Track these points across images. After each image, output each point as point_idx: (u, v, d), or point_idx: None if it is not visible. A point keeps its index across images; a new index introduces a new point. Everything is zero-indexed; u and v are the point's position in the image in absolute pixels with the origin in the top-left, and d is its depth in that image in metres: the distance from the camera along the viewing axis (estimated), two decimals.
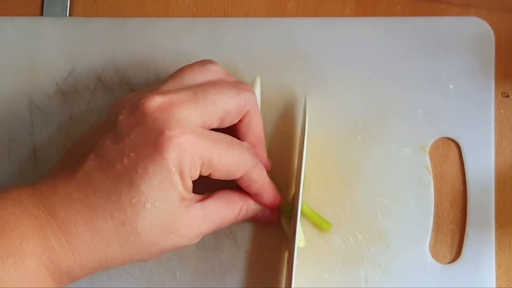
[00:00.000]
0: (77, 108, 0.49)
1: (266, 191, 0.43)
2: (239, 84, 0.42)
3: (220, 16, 0.50)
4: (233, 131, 0.42)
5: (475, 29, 0.47)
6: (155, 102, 0.38)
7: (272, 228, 0.46)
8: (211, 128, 0.40)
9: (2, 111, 0.50)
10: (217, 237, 0.47)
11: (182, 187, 0.38)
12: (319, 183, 0.47)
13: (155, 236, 0.38)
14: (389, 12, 0.49)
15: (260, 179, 0.42)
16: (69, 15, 0.51)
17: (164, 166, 0.36)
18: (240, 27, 0.49)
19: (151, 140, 0.37)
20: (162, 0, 0.50)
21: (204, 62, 0.42)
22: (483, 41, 0.47)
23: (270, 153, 0.46)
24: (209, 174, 0.39)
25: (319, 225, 0.46)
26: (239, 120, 0.42)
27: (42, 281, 0.37)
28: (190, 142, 0.37)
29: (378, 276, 0.45)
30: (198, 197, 0.40)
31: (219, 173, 0.39)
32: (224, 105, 0.40)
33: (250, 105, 0.41)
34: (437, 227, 0.46)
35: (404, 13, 0.49)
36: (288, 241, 0.46)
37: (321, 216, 0.46)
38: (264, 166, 0.43)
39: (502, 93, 0.47)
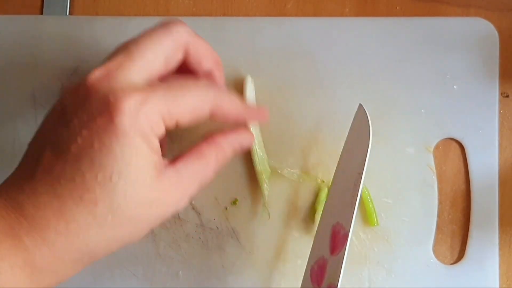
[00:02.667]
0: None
1: (248, 113, 0.39)
2: (165, 23, 0.37)
3: (220, 16, 0.47)
4: (186, 68, 0.38)
5: (479, 30, 0.44)
6: (94, 75, 0.34)
7: (275, 228, 0.44)
8: (158, 75, 0.36)
9: (7, 110, 0.47)
10: (220, 237, 0.44)
11: (147, 150, 0.33)
12: (322, 183, 0.44)
13: (134, 209, 0.33)
14: (389, 12, 0.46)
15: (233, 105, 0.37)
16: (68, 15, 0.49)
17: (120, 133, 0.32)
18: (243, 26, 0.46)
19: (99, 112, 0.32)
20: (162, 0, 0.47)
21: (165, 28, 0.37)
22: (487, 42, 0.44)
23: (271, 153, 0.44)
24: (176, 124, 0.34)
25: (368, 216, 0.43)
26: (186, 56, 0.37)
27: (18, 282, 0.32)
28: (138, 100, 0.32)
29: (381, 276, 0.43)
30: (167, 160, 0.35)
31: (185, 118, 0.34)
32: (159, 50, 0.35)
33: (186, 37, 0.37)
34: (441, 228, 0.43)
35: (404, 13, 0.46)
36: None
37: (375, 209, 0.43)
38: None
39: (502, 93, 0.44)
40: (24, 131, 0.46)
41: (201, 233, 0.44)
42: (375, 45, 0.44)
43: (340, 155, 0.41)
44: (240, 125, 0.41)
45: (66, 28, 0.47)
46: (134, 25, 0.46)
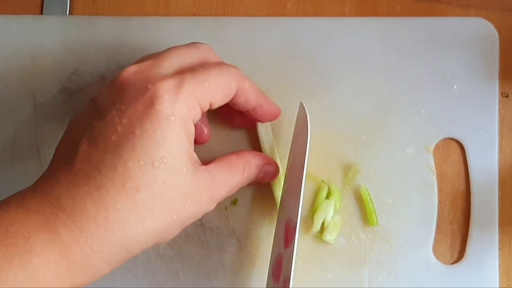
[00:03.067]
0: (81, 107, 0.46)
1: (264, 98, 0.40)
2: (193, 42, 0.39)
3: (220, 16, 0.47)
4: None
5: (479, 30, 0.44)
6: (127, 71, 0.35)
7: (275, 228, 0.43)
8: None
9: (6, 109, 0.47)
10: (220, 236, 0.44)
11: (185, 136, 0.34)
12: (322, 183, 0.44)
13: (172, 199, 0.34)
14: (389, 12, 0.46)
15: (253, 87, 0.39)
16: (68, 15, 0.48)
17: (162, 118, 0.33)
18: (243, 26, 0.46)
19: (138, 100, 0.34)
20: (162, 0, 0.47)
21: (192, 44, 0.39)
22: (487, 42, 0.44)
23: None
24: (210, 105, 0.36)
25: (368, 216, 0.42)
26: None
27: (54, 279, 0.31)
28: (175, 84, 0.34)
29: (382, 276, 0.42)
30: (201, 163, 0.37)
31: (217, 97, 0.36)
32: (187, 58, 0.37)
33: (210, 56, 0.39)
34: (441, 228, 0.43)
35: (404, 13, 0.45)
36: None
37: (375, 209, 0.42)
38: (276, 111, 0.42)
39: (502, 93, 0.44)
40: (24, 131, 0.46)
41: (201, 233, 0.44)
42: (375, 45, 0.44)
43: (289, 153, 0.42)
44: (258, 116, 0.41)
45: (66, 28, 0.47)
46: (134, 25, 0.46)
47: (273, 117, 0.42)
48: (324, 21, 0.45)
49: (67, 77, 0.46)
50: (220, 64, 0.38)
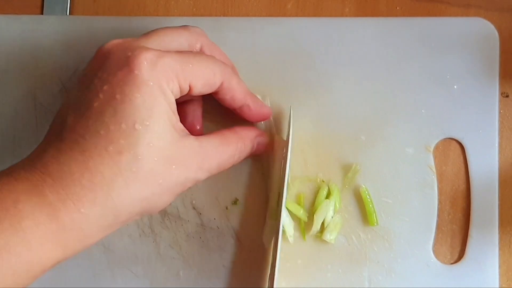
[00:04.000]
0: None
1: (252, 99, 0.40)
2: (184, 25, 0.40)
3: (220, 16, 0.47)
4: None
5: (479, 30, 0.43)
6: (111, 43, 0.36)
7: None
8: None
9: (7, 109, 0.46)
10: (221, 236, 0.44)
11: (164, 101, 0.35)
12: (322, 183, 0.43)
13: (155, 162, 0.34)
14: (389, 12, 0.45)
15: (241, 86, 0.39)
16: (69, 15, 0.48)
17: (140, 82, 0.34)
18: (244, 26, 0.46)
19: (119, 67, 0.34)
20: (162, 0, 0.47)
21: (183, 26, 0.40)
22: (488, 42, 0.43)
23: None
24: (190, 88, 0.36)
25: (368, 216, 0.42)
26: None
27: (44, 242, 0.32)
28: (156, 55, 0.35)
29: (382, 276, 0.42)
30: (188, 132, 0.37)
31: (198, 82, 0.36)
32: (176, 37, 0.38)
33: (201, 36, 0.39)
34: (441, 227, 0.43)
35: (404, 13, 0.45)
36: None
37: (374, 209, 0.42)
38: (265, 113, 0.42)
39: (502, 93, 0.43)
40: (24, 131, 0.46)
41: (201, 232, 0.44)
42: (375, 45, 0.44)
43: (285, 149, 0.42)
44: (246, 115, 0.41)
45: (66, 28, 0.47)
46: (134, 25, 0.46)
47: (261, 118, 0.42)
48: (324, 21, 0.45)
49: (68, 77, 0.46)
50: (211, 56, 0.38)
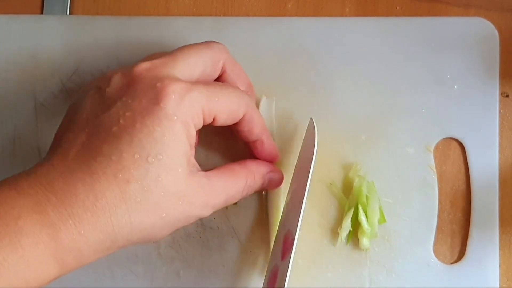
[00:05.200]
0: (81, 91, 0.44)
1: (267, 136, 0.40)
2: (207, 41, 0.39)
3: (220, 16, 0.47)
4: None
5: (479, 30, 0.43)
6: (140, 66, 0.35)
7: (275, 228, 0.42)
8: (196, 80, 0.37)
9: (7, 109, 0.46)
10: (221, 236, 0.44)
11: (185, 138, 0.34)
12: (322, 183, 0.43)
13: (162, 196, 0.33)
14: (389, 12, 0.45)
15: (261, 121, 0.39)
16: (69, 14, 0.48)
17: (164, 116, 0.33)
18: (244, 26, 0.46)
19: (145, 95, 0.34)
20: (162, 0, 0.47)
21: (206, 43, 0.39)
22: (487, 42, 0.43)
23: None
24: (213, 120, 0.36)
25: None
26: (222, 74, 0.39)
27: (42, 261, 0.31)
28: (184, 88, 0.34)
29: (382, 276, 0.42)
30: (200, 169, 0.36)
31: (222, 115, 0.36)
32: (200, 58, 0.37)
33: (224, 54, 0.39)
34: (441, 227, 0.43)
35: (404, 13, 0.45)
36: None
37: (382, 209, 0.42)
38: (275, 154, 0.41)
39: (502, 93, 0.43)
40: (24, 131, 0.46)
41: (201, 232, 0.43)
42: (375, 45, 0.44)
43: (295, 165, 0.42)
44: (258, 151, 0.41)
45: (67, 28, 0.46)
46: (134, 25, 0.46)
47: (270, 157, 0.41)
48: (324, 21, 0.45)
49: (68, 77, 0.46)
50: (236, 88, 0.38)
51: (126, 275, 0.43)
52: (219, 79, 0.40)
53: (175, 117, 0.33)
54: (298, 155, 0.42)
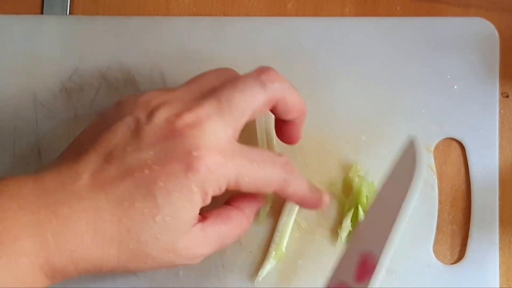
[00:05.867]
0: (82, 107, 0.46)
1: (306, 201, 0.38)
2: (261, 75, 0.36)
3: (220, 16, 0.47)
4: (273, 113, 0.38)
5: (479, 30, 0.43)
6: (184, 119, 0.33)
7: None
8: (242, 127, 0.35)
9: (7, 109, 0.46)
10: None
11: (198, 207, 0.34)
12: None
13: (154, 251, 0.34)
14: (389, 12, 0.45)
15: (297, 192, 0.37)
16: (69, 14, 0.48)
17: (187, 186, 0.33)
18: (244, 26, 0.45)
19: (177, 158, 0.33)
20: (162, 0, 0.47)
21: (261, 77, 0.36)
22: (487, 42, 0.43)
23: None
24: (235, 190, 0.35)
25: None
26: (275, 107, 0.37)
27: (35, 280, 0.33)
28: (217, 164, 0.33)
29: (382, 276, 0.39)
30: (198, 217, 0.35)
31: (246, 190, 0.35)
32: (251, 106, 0.35)
33: (279, 93, 0.36)
34: (441, 227, 0.42)
35: (404, 13, 0.45)
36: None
37: None
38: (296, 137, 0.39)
39: (502, 93, 0.43)
40: (24, 131, 0.46)
41: None
42: (375, 45, 0.44)
43: (385, 182, 0.37)
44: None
45: (67, 28, 0.46)
46: (134, 25, 0.46)
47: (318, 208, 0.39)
48: (324, 21, 0.45)
49: (68, 76, 0.46)
50: (275, 158, 0.36)
51: (125, 275, 0.43)
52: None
53: (196, 189, 0.33)
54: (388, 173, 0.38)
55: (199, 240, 0.35)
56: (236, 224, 0.37)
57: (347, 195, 0.42)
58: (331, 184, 0.43)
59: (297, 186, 0.37)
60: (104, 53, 0.46)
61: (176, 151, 0.33)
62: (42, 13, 0.48)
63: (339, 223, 0.42)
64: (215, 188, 0.34)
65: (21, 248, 0.32)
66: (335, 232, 0.42)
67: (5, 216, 0.32)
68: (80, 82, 0.46)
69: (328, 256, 0.42)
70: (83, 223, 0.33)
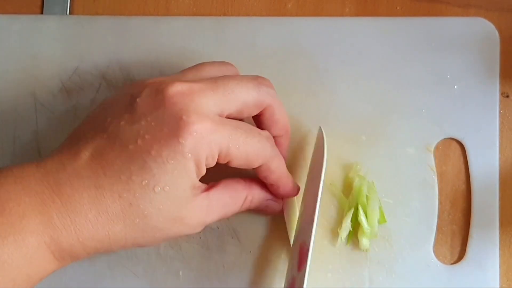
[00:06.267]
0: (81, 106, 0.46)
1: (283, 183, 0.39)
2: (258, 78, 0.38)
3: (220, 16, 0.47)
4: (257, 123, 0.39)
5: (479, 30, 0.43)
6: (176, 87, 0.34)
7: (276, 228, 0.43)
8: (229, 117, 0.36)
9: (7, 109, 0.46)
10: (221, 236, 0.43)
11: (195, 175, 0.34)
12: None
13: (160, 222, 0.34)
14: (389, 12, 0.45)
15: (278, 170, 0.38)
16: (69, 14, 0.48)
17: (180, 152, 0.33)
18: (244, 26, 0.45)
19: (168, 125, 0.33)
20: (162, 0, 0.47)
21: (223, 62, 0.40)
22: (487, 42, 0.43)
23: None
24: (227, 162, 0.36)
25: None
26: (261, 113, 0.38)
27: (43, 259, 0.33)
28: (207, 129, 0.34)
29: (382, 276, 0.42)
30: (203, 186, 0.36)
31: (237, 161, 0.36)
32: (243, 96, 0.36)
33: (269, 99, 0.38)
34: (441, 228, 0.42)
35: (404, 13, 0.45)
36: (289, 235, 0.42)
37: (382, 209, 0.42)
38: (283, 157, 0.40)
39: (502, 93, 0.43)
40: (24, 131, 0.46)
41: (201, 233, 0.43)
42: (375, 45, 0.44)
43: (307, 175, 0.41)
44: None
45: (67, 28, 0.46)
46: (134, 25, 0.46)
47: (285, 197, 0.41)
48: (324, 21, 0.45)
49: (68, 76, 0.46)
50: (263, 136, 0.37)
51: (126, 275, 0.43)
52: (254, 116, 0.39)
53: (190, 155, 0.33)
54: (309, 166, 0.42)
55: (203, 209, 0.36)
56: (240, 198, 0.38)
57: (347, 195, 0.42)
58: (331, 184, 0.43)
59: (279, 162, 0.38)
60: (104, 53, 0.46)
61: (168, 118, 0.33)
62: (42, 13, 0.48)
63: (339, 223, 0.42)
64: (208, 154, 0.34)
65: (28, 227, 0.32)
66: (335, 232, 0.42)
67: (10, 197, 0.32)
68: (80, 82, 0.46)
69: (328, 256, 0.42)
70: (85, 202, 0.33)
